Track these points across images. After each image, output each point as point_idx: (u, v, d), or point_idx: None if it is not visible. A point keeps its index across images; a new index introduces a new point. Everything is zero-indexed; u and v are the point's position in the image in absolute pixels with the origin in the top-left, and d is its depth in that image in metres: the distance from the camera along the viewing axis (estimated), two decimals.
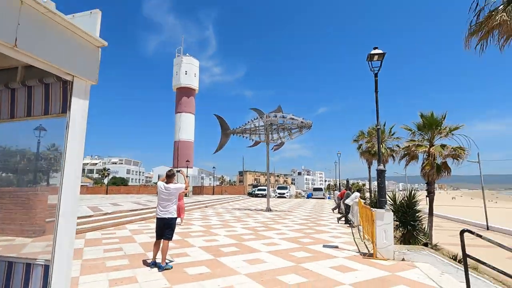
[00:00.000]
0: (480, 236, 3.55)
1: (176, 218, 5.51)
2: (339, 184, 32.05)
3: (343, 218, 12.47)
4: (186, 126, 31.41)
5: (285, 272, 5.13)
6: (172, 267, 5.21)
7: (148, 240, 7.84)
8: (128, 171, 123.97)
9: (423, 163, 15.58)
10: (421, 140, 16.01)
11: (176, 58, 32.92)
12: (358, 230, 10.03)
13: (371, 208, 6.68)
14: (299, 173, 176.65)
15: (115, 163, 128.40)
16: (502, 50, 8.10)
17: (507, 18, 6.96)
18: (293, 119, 17.47)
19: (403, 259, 6.03)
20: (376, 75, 6.98)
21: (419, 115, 16.37)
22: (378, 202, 6.56)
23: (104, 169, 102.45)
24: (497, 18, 7.01)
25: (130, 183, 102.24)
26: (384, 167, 22.80)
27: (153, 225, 10.60)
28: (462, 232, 3.57)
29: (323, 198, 38.82)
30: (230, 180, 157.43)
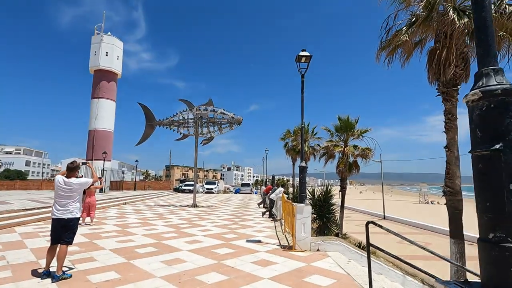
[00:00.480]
0: (380, 226, 4.00)
1: (78, 219, 4.71)
2: (266, 179, 33.38)
3: (267, 212, 12.92)
4: (104, 113, 27.96)
5: (205, 271, 4.91)
6: (71, 276, 4.44)
7: (44, 245, 6.60)
8: (28, 163, 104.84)
9: (338, 162, 17.38)
10: (337, 141, 17.81)
11: (95, 36, 28.87)
12: (281, 223, 10.50)
13: (292, 203, 7.00)
14: (229, 169, 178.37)
15: (10, 153, 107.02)
16: (403, 67, 9.50)
17: (407, 39, 8.14)
18: (224, 113, 17.27)
19: (318, 250, 6.49)
20: (302, 76, 7.32)
21: (337, 117, 18.15)
22: (299, 197, 6.90)
23: None
24: (401, 37, 8.13)
25: (30, 177, 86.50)
26: (306, 164, 24.54)
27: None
28: (367, 224, 3.95)
29: (250, 193, 39.90)
30: (155, 175, 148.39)
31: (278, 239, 7.84)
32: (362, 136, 17.70)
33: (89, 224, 9.53)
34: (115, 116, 29.54)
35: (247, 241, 7.45)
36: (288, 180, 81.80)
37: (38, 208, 11.02)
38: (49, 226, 9.35)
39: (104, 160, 26.34)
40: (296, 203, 6.72)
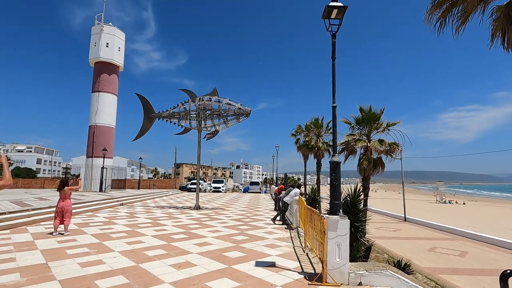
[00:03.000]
0: None
1: None
2: (276, 178, 31.30)
3: (279, 217, 10.92)
4: (105, 108, 26.38)
5: None
6: None
7: None
8: (39, 161, 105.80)
9: (360, 158, 15.19)
10: (359, 135, 15.60)
11: (95, 26, 27.27)
12: (298, 234, 8.47)
13: (322, 214, 4.95)
14: (238, 167, 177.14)
15: (22, 151, 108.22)
16: (456, 35, 7.32)
17: None
18: (229, 104, 15.29)
19: (360, 283, 4.45)
20: (333, 35, 5.24)
21: (358, 108, 15.89)
22: (330, 205, 4.86)
23: (6, 157, 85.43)
24: None
25: (41, 175, 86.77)
26: (321, 161, 21.65)
27: (16, 236, 7.30)
28: (503, 277, 1.94)
29: (260, 192, 37.89)
30: (165, 173, 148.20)
31: (299, 259, 5.84)
32: (388, 129, 15.50)
33: (62, 234, 7.74)
34: (116, 111, 27.98)
35: (257, 264, 5.47)
36: (299, 179, 79.39)
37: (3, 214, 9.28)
38: (13, 236, 7.60)
39: (104, 157, 24.78)
40: (328, 215, 4.69)
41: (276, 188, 15.72)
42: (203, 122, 15.84)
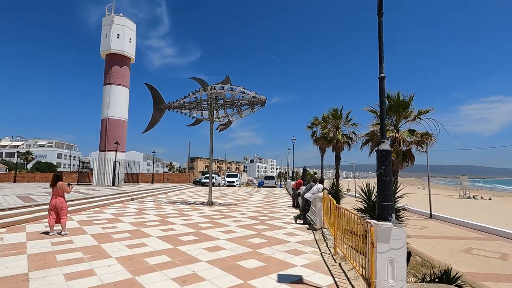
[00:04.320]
0: None
1: None
2: (293, 172, 30.09)
3: (301, 216, 9.80)
4: (117, 101, 25.89)
5: None
6: None
7: None
8: (59, 156, 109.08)
9: None
10: (387, 124, 14.16)
11: (105, 17, 26.69)
12: (324, 236, 7.34)
13: (369, 220, 3.78)
14: (252, 161, 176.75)
15: (43, 146, 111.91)
16: None
17: None
18: (243, 93, 14.18)
19: None
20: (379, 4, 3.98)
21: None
22: (378, 207, 3.68)
23: (28, 152, 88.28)
24: None
25: (61, 169, 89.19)
26: (339, 155, 20.25)
27: (9, 236, 6.55)
28: None
29: (275, 187, 36.78)
30: (180, 167, 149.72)
31: (331, 272, 4.71)
32: (419, 118, 13.92)
33: (59, 234, 6.96)
34: (128, 104, 27.47)
35: (280, 279, 4.38)
36: (315, 173, 77.49)
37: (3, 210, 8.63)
38: (7, 235, 6.88)
39: (116, 151, 24.36)
40: (376, 221, 3.53)
41: (293, 183, 14.59)
42: (215, 112, 14.84)
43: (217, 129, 14.99)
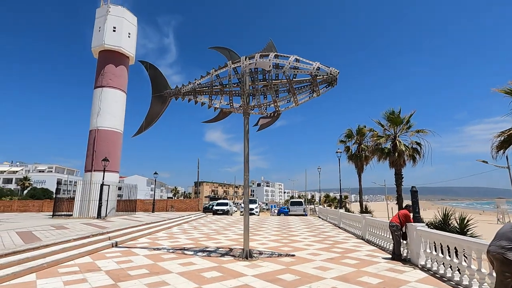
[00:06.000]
0: None
1: None
2: (341, 197, 23.50)
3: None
4: (109, 108, 20.39)
5: None
6: None
7: None
8: (59, 181, 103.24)
9: None
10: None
11: (100, 8, 21.99)
12: None
13: None
14: (259, 185, 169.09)
15: (43, 171, 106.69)
16: None
17: None
18: (299, 60, 8.39)
19: None
20: None
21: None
22: None
23: (25, 178, 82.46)
24: None
25: (61, 195, 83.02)
26: (401, 172, 13.62)
27: None
28: None
29: (304, 215, 30.01)
30: (184, 192, 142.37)
31: None
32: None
33: None
34: (125, 111, 21.98)
35: None
36: (346, 197, 69.45)
37: None
38: None
39: (104, 170, 18.35)
40: None
41: (394, 216, 8.32)
42: (252, 99, 9.02)
43: (256, 124, 9.06)
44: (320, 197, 31.10)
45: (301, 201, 33.28)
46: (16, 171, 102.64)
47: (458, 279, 5.73)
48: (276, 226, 18.01)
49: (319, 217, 27.02)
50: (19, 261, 6.34)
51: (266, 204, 76.24)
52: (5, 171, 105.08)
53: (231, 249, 9.44)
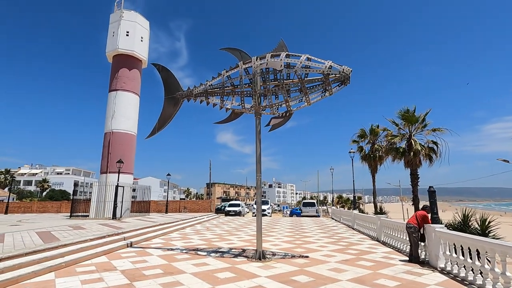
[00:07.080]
0: None
1: None
2: (354, 197, 23.18)
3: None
4: (123, 111, 20.86)
5: None
6: None
7: None
8: (76, 183, 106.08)
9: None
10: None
11: (114, 13, 22.56)
12: None
13: None
14: (270, 186, 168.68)
15: (60, 173, 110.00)
16: None
17: None
18: (310, 59, 8.30)
19: None
20: None
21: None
22: None
23: (44, 180, 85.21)
24: None
25: (78, 197, 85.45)
26: (417, 172, 13.08)
27: None
28: None
29: (317, 216, 29.71)
30: (197, 193, 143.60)
31: None
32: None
33: None
34: (138, 114, 22.40)
35: None
36: (360, 198, 68.30)
37: None
38: None
39: (119, 172, 18.76)
40: None
41: (411, 216, 8.09)
42: (263, 99, 8.99)
43: (268, 124, 9.03)
44: (333, 198, 30.66)
45: (314, 202, 32.91)
46: (36, 173, 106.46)
47: (481, 282, 5.50)
48: (289, 227, 17.87)
49: (332, 218, 26.67)
50: (39, 260, 6.53)
51: (278, 205, 75.87)
52: (25, 174, 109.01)
53: (244, 250, 9.43)
